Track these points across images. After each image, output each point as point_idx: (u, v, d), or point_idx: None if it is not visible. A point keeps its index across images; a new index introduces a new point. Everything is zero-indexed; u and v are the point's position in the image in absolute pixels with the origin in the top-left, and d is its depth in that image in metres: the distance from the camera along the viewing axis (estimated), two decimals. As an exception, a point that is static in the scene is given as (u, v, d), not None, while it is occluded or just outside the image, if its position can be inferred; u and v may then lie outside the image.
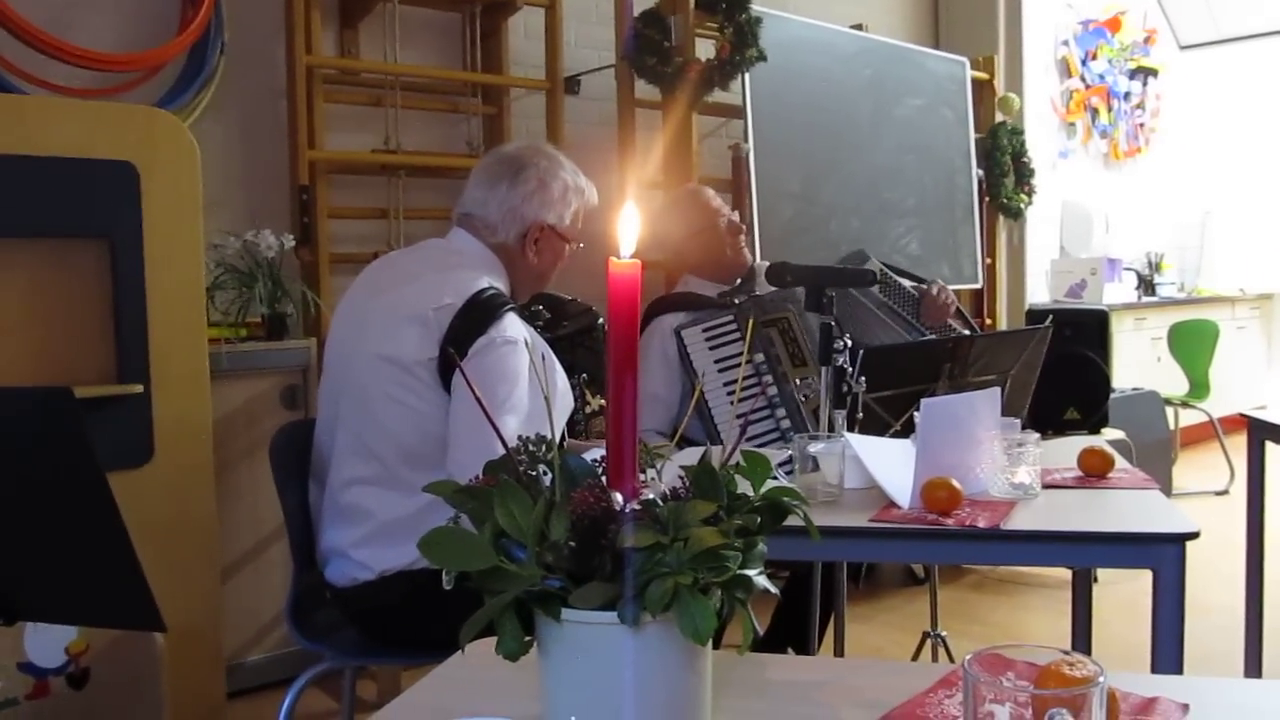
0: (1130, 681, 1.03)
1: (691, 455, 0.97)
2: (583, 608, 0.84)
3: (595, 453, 0.92)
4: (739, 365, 2.46)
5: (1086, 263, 6.44)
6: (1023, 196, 5.45)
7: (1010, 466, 1.80)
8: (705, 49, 3.96)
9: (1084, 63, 7.10)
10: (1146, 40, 7.60)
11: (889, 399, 2.08)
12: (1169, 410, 5.35)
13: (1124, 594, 3.67)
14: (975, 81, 5.24)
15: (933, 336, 2.78)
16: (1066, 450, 2.10)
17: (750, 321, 2.39)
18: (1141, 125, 7.58)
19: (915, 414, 1.80)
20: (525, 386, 1.89)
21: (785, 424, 2.40)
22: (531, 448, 0.92)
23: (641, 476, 0.91)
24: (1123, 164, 7.47)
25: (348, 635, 2.02)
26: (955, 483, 1.71)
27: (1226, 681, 1.11)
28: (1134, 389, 4.97)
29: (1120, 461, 2.00)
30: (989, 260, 5.39)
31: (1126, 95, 7.43)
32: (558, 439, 0.95)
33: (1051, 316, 2.62)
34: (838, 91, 4.47)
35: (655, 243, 2.93)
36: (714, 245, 2.83)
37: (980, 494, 1.80)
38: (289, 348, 3.10)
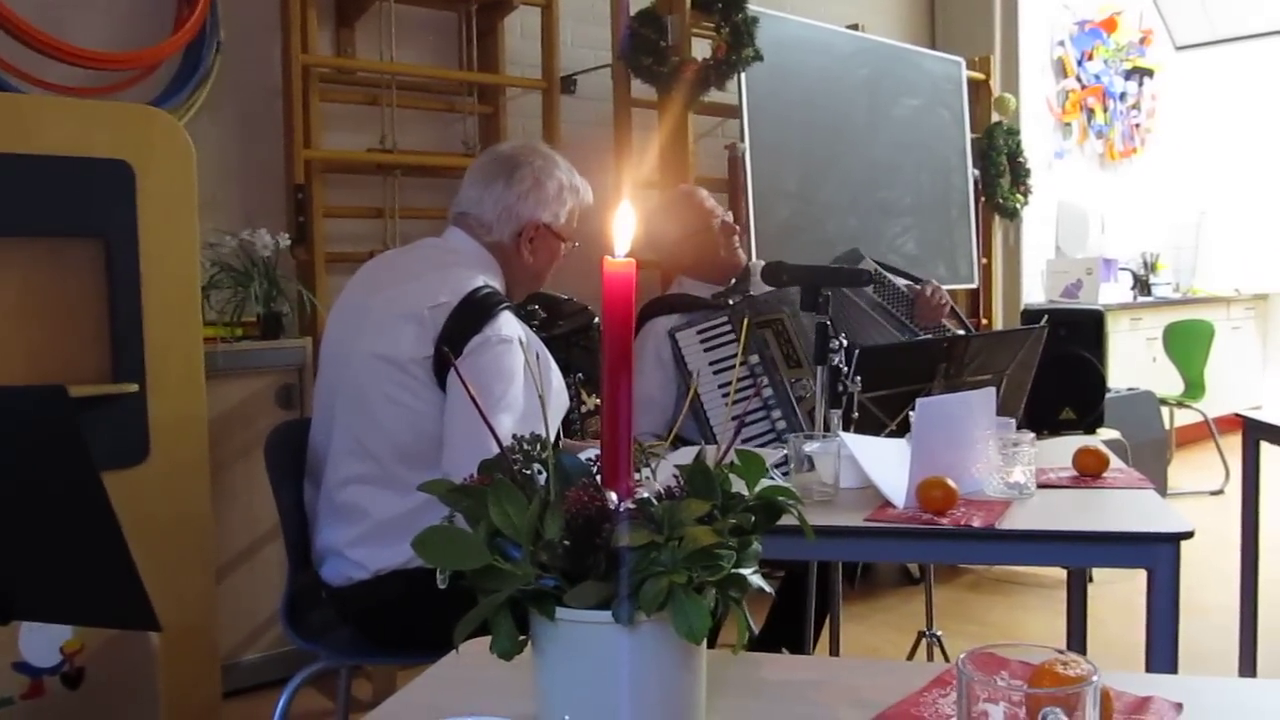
0: (1124, 681, 1.03)
1: (686, 455, 0.97)
2: (577, 607, 0.84)
3: (590, 452, 0.92)
4: (734, 367, 2.46)
5: (1082, 263, 6.45)
6: (1018, 196, 5.46)
7: (1005, 466, 1.81)
8: (701, 49, 3.96)
9: (1080, 63, 7.11)
10: (1142, 41, 7.61)
11: (884, 398, 2.08)
12: (1164, 410, 5.36)
13: (1119, 594, 3.68)
14: (971, 81, 5.24)
15: (927, 336, 2.77)
16: (1062, 450, 2.11)
17: (745, 322, 2.39)
18: (1137, 126, 7.59)
19: (910, 413, 1.80)
20: (521, 385, 1.88)
21: (781, 425, 2.40)
22: (526, 447, 0.92)
23: (636, 476, 0.91)
24: (1118, 164, 7.48)
25: (343, 635, 2.01)
26: (950, 482, 1.71)
27: (1220, 681, 1.11)
28: (1129, 389, 4.98)
29: (1115, 461, 2.01)
30: (985, 260, 5.40)
31: (1122, 96, 7.44)
32: (553, 438, 0.95)
33: (1047, 316, 2.62)
34: (834, 91, 4.48)
35: (649, 243, 2.93)
36: (708, 246, 2.83)
37: (975, 493, 1.81)
38: (284, 347, 3.09)
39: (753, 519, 0.91)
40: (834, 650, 2.97)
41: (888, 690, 1.04)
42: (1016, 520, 1.69)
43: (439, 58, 3.89)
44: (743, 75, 3.91)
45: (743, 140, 3.98)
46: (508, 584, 0.85)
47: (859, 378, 2.01)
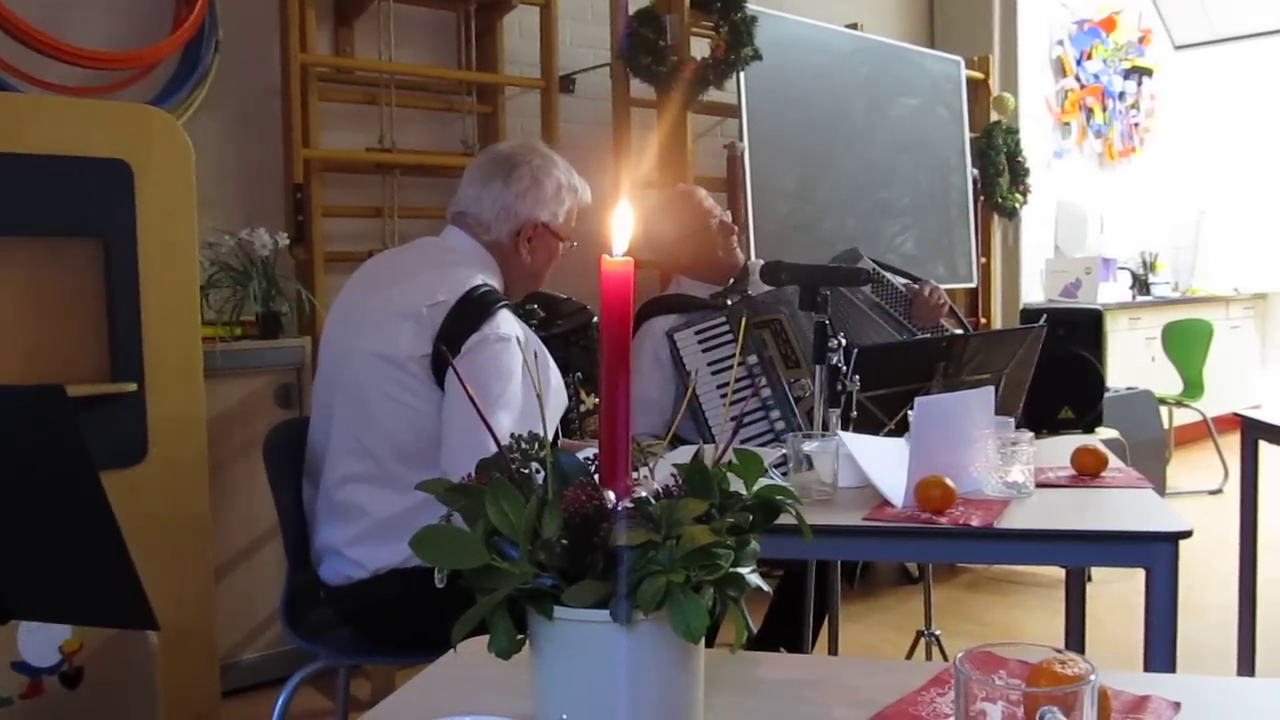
0: (1123, 680, 1.03)
1: (684, 454, 0.97)
2: (575, 606, 0.84)
3: (588, 451, 0.92)
4: (732, 367, 2.46)
5: (1081, 262, 6.45)
6: (1018, 196, 5.46)
7: (1004, 465, 1.81)
8: (700, 48, 3.96)
9: (1079, 62, 7.11)
10: (1141, 40, 7.61)
11: (883, 398, 2.08)
12: (1163, 409, 5.36)
13: (1118, 593, 3.68)
14: (970, 81, 5.24)
15: (926, 336, 2.77)
16: (1060, 449, 2.11)
17: (743, 322, 2.39)
18: (1136, 125, 7.59)
19: (909, 413, 1.80)
20: (519, 383, 1.89)
21: (779, 425, 2.40)
22: (524, 446, 0.92)
23: (634, 475, 0.91)
24: (1117, 164, 7.48)
25: (342, 634, 2.01)
26: (949, 481, 1.71)
27: (1218, 680, 1.11)
28: (1128, 388, 4.98)
29: (1114, 460, 2.01)
30: (984, 259, 5.40)
31: (1121, 95, 7.44)
32: (551, 437, 0.95)
33: (1046, 316, 2.62)
34: (833, 90, 4.48)
35: (647, 243, 2.93)
36: (706, 246, 2.83)
37: (974, 493, 1.81)
38: (283, 346, 3.09)
39: (751, 518, 0.91)
40: (832, 649, 2.98)
41: (886, 689, 1.04)
42: (1015, 519, 1.69)
43: (438, 57, 3.89)
44: (741, 74, 3.91)
45: (741, 139, 3.98)
46: (505, 583, 0.85)
47: (857, 377, 2.01)
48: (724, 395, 2.43)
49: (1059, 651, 0.83)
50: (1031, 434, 1.84)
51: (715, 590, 0.87)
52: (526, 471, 0.91)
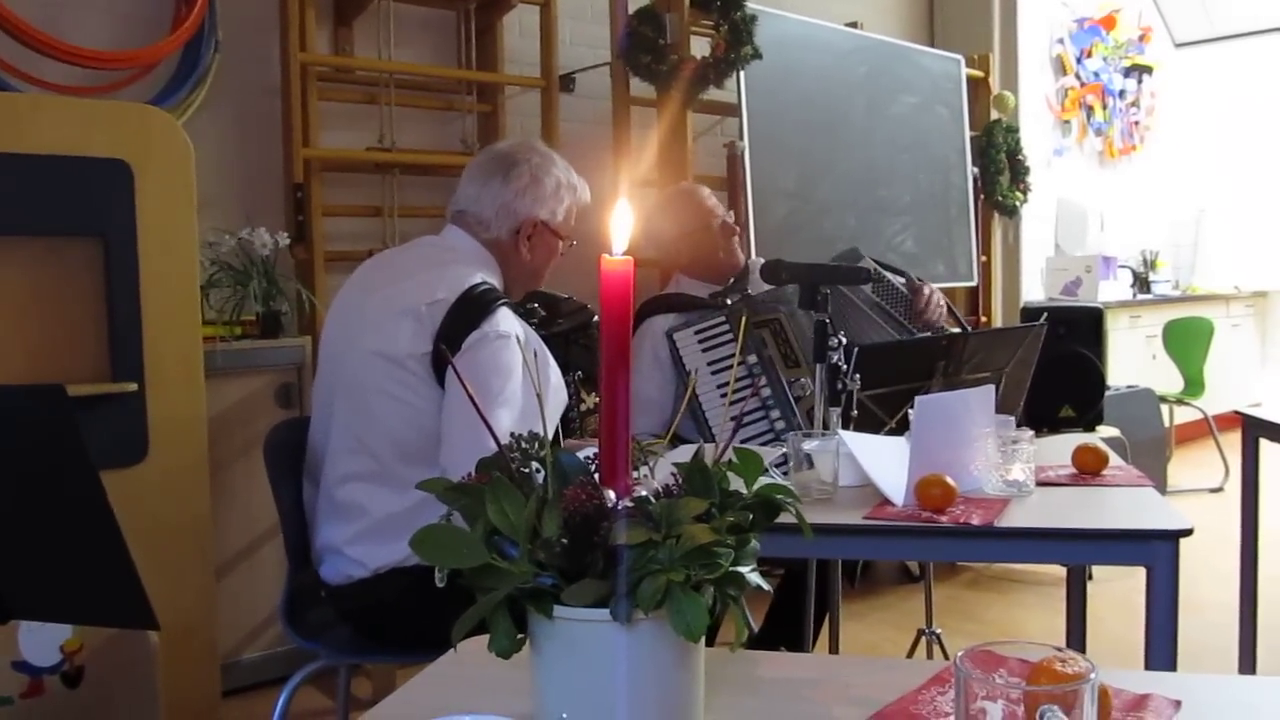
0: (1123, 678, 1.03)
1: (684, 453, 0.97)
2: (575, 605, 0.84)
3: (588, 451, 0.92)
4: (732, 367, 2.46)
5: (1081, 260, 6.44)
6: (1018, 194, 5.46)
7: (1005, 464, 1.81)
8: (700, 46, 3.96)
9: (1079, 60, 7.11)
10: (1141, 38, 7.60)
11: (883, 396, 2.07)
12: (1164, 408, 5.36)
13: (1119, 591, 3.68)
14: (970, 79, 5.24)
15: (926, 334, 2.77)
16: (1061, 448, 2.11)
17: (743, 321, 2.39)
18: (1136, 123, 7.59)
19: (909, 411, 1.80)
20: (519, 381, 1.89)
21: (779, 425, 2.40)
22: (524, 445, 0.92)
23: (634, 474, 0.91)
24: (1118, 162, 7.47)
25: (342, 633, 2.01)
26: (950, 480, 1.71)
27: (1219, 678, 1.11)
28: (1129, 387, 4.98)
29: (1115, 459, 2.01)
30: (984, 258, 5.39)
31: (1121, 93, 7.43)
32: (551, 436, 0.95)
33: (1046, 314, 2.62)
34: (833, 89, 4.47)
35: (648, 241, 2.93)
36: (706, 246, 2.82)
37: (975, 491, 1.81)
38: (283, 346, 3.09)
39: (751, 517, 0.91)
40: (833, 648, 2.98)
41: (886, 688, 1.04)
42: (1015, 518, 1.69)
43: (438, 56, 3.89)
44: (741, 73, 3.91)
45: (741, 138, 3.98)
46: (505, 582, 0.85)
47: (858, 376, 2.00)
48: (724, 395, 2.43)
49: (1059, 650, 0.83)
50: (1032, 432, 1.84)
51: (715, 589, 0.87)
52: (526, 471, 0.91)
